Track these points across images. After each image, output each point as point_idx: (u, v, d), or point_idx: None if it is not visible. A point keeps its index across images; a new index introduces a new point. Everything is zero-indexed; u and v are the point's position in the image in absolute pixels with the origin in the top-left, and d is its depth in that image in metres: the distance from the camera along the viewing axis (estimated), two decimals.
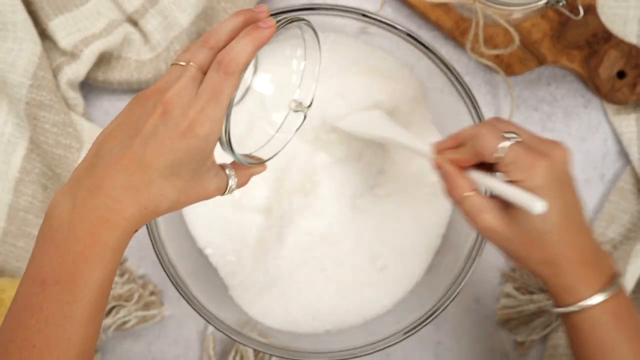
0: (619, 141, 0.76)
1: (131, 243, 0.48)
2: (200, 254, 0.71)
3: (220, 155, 0.50)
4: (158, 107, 0.47)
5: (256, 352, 0.72)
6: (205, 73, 0.48)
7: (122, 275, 0.73)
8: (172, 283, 0.64)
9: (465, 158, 0.55)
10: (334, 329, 0.70)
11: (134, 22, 0.75)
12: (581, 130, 0.76)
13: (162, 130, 0.46)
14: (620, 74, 0.73)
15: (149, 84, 0.74)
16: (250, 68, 0.48)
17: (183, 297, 0.64)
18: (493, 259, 0.74)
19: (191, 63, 0.48)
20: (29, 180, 0.73)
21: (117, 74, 0.73)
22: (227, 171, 0.52)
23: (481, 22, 0.67)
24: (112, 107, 0.76)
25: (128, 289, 0.72)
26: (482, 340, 0.74)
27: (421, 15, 0.75)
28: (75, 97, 0.74)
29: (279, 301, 0.70)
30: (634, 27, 0.74)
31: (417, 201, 0.71)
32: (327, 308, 0.70)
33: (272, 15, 0.61)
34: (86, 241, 0.45)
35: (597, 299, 0.54)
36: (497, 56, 0.72)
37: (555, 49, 0.73)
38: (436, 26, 0.75)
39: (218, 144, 0.49)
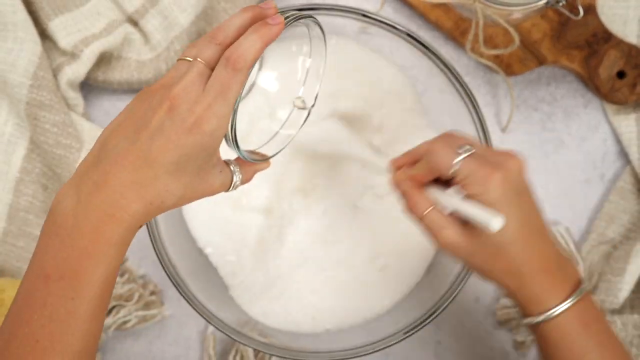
0: (618, 141, 0.76)
1: (131, 243, 0.48)
2: (200, 253, 0.71)
3: (225, 152, 0.50)
4: (164, 102, 0.47)
5: (256, 352, 0.72)
6: (212, 69, 0.48)
7: (122, 275, 0.73)
8: (173, 283, 0.64)
9: (422, 174, 0.55)
10: (334, 329, 0.70)
11: (134, 22, 0.75)
12: (581, 130, 0.76)
13: (169, 126, 0.46)
14: (620, 74, 0.73)
15: (149, 84, 0.74)
16: (256, 64, 0.48)
17: (183, 296, 0.64)
18: None
19: (198, 59, 0.48)
20: (29, 180, 0.73)
21: (117, 74, 0.73)
22: (232, 167, 0.52)
23: (481, 22, 0.67)
24: (112, 107, 0.76)
25: (128, 288, 0.72)
26: (482, 339, 0.74)
27: (421, 15, 0.75)
28: (76, 97, 0.74)
29: (279, 301, 0.70)
30: (634, 27, 0.74)
31: None
32: (327, 308, 0.70)
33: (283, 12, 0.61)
34: (91, 237, 0.45)
35: (563, 306, 0.53)
36: (497, 56, 0.72)
37: (555, 49, 0.73)
38: (436, 26, 0.75)
39: (223, 140, 0.49)
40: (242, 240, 0.71)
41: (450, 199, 0.53)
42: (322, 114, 0.69)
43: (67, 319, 0.45)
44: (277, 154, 0.56)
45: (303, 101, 0.57)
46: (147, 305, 0.73)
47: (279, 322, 0.70)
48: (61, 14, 0.72)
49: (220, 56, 0.48)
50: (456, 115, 0.68)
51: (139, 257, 0.75)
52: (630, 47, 0.73)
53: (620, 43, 0.73)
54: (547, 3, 0.64)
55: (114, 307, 0.72)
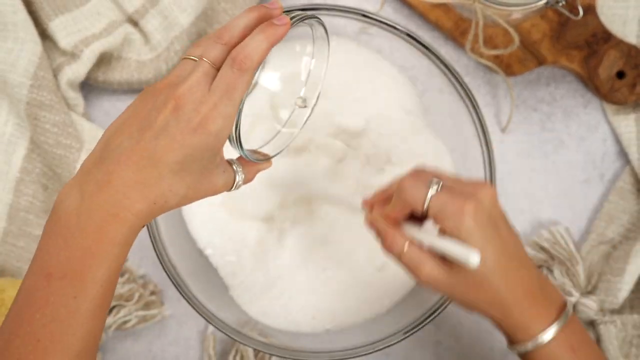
0: (618, 141, 0.76)
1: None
2: (200, 254, 0.71)
3: (226, 151, 0.50)
4: (170, 102, 0.46)
5: (256, 352, 0.72)
6: (217, 69, 0.48)
7: (122, 275, 0.73)
8: (173, 283, 0.64)
9: (396, 211, 0.55)
10: (334, 329, 0.70)
11: (134, 23, 0.75)
12: (580, 130, 0.76)
13: (174, 126, 0.46)
14: (620, 74, 0.73)
15: (150, 84, 0.74)
16: None
17: (183, 297, 0.64)
18: None
19: (204, 58, 0.48)
20: (29, 180, 0.73)
21: (117, 74, 0.74)
22: (235, 167, 0.52)
23: (481, 23, 0.67)
24: (112, 107, 0.76)
25: (128, 288, 0.72)
26: (482, 339, 0.74)
27: (421, 15, 0.75)
28: (76, 97, 0.74)
29: (279, 301, 0.70)
30: (634, 27, 0.74)
31: None
32: (327, 308, 0.70)
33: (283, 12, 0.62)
34: (94, 236, 0.45)
35: (550, 332, 0.53)
36: (496, 56, 0.73)
37: (555, 49, 0.73)
38: (436, 26, 0.75)
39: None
40: (242, 241, 0.71)
41: (426, 236, 0.53)
42: (322, 128, 0.70)
43: (69, 318, 0.45)
44: (278, 153, 0.56)
45: (304, 100, 0.57)
46: (147, 305, 0.73)
47: (279, 322, 0.70)
48: (61, 14, 0.73)
49: (225, 56, 0.48)
50: (456, 115, 0.68)
51: (139, 257, 0.75)
52: (630, 47, 0.73)
53: (619, 43, 0.73)
54: (546, 3, 0.64)
55: (114, 307, 0.72)
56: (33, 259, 0.47)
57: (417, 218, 0.55)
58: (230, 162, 0.52)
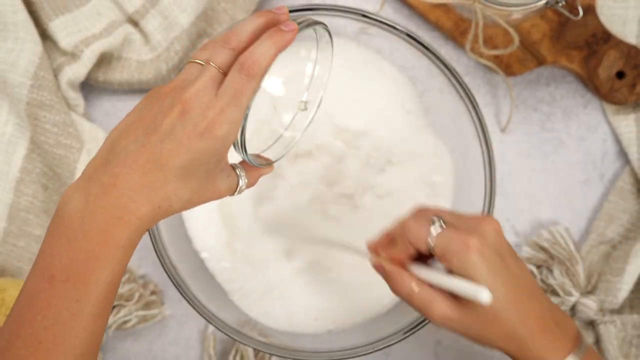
0: (618, 141, 0.76)
1: None
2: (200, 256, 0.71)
3: (229, 155, 0.51)
4: (176, 106, 0.46)
5: (256, 352, 0.72)
6: (224, 74, 0.48)
7: None
8: (173, 283, 0.64)
9: (401, 253, 0.54)
10: (336, 329, 0.70)
11: (135, 23, 0.75)
12: (580, 130, 0.76)
13: (180, 130, 0.46)
14: (620, 75, 0.73)
15: (150, 84, 0.74)
16: None
17: (184, 297, 0.64)
18: None
19: (211, 63, 0.47)
20: (29, 180, 0.73)
21: (117, 74, 0.74)
22: (238, 171, 0.52)
23: (481, 23, 0.67)
24: (112, 107, 0.76)
25: (129, 288, 0.72)
26: None
27: (421, 15, 0.75)
28: (76, 98, 0.74)
29: (280, 303, 0.70)
30: (633, 28, 0.74)
31: (417, 201, 0.71)
32: (329, 309, 0.70)
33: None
34: (98, 239, 0.45)
35: None
36: (496, 56, 0.73)
37: (555, 49, 0.73)
38: (436, 27, 0.75)
39: None
40: (236, 248, 0.70)
41: (434, 275, 0.52)
42: (322, 128, 0.70)
43: (71, 321, 0.45)
44: (280, 158, 0.56)
45: (306, 105, 0.57)
46: (147, 305, 0.73)
47: (280, 323, 0.70)
48: (61, 14, 0.73)
49: (233, 61, 0.48)
50: (456, 115, 0.68)
51: (139, 257, 0.75)
52: (630, 47, 0.73)
53: (619, 43, 0.73)
54: (546, 3, 0.64)
55: (114, 307, 0.72)
56: (36, 261, 0.46)
57: (424, 257, 0.54)
58: (233, 167, 0.52)
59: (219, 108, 0.46)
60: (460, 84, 0.66)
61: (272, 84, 0.56)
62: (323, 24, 0.51)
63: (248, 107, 0.47)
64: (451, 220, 0.53)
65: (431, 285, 0.53)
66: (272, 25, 0.49)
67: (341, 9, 0.67)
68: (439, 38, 0.76)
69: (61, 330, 0.45)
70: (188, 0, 0.72)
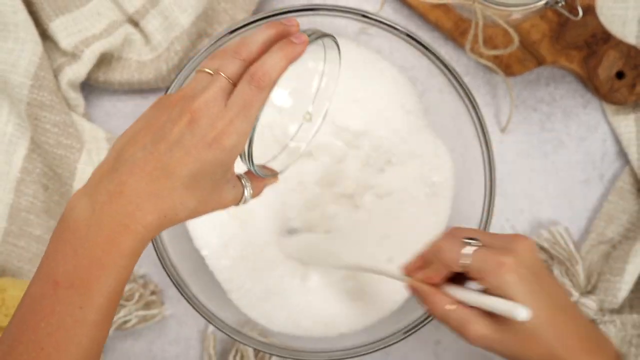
0: (618, 141, 0.76)
1: None
2: (200, 253, 0.71)
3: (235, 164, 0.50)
4: (185, 115, 0.46)
5: (256, 352, 0.72)
6: (234, 84, 0.47)
7: None
8: (173, 283, 0.64)
9: (435, 274, 0.54)
10: (349, 332, 0.70)
11: (135, 23, 0.75)
12: (580, 130, 0.76)
13: (189, 139, 0.46)
14: (619, 75, 0.73)
15: (150, 84, 0.74)
16: None
17: (184, 296, 0.64)
18: None
19: (221, 73, 0.47)
20: (30, 180, 0.73)
21: (117, 74, 0.74)
22: (243, 182, 0.52)
23: (480, 23, 0.67)
24: (112, 107, 0.76)
25: (129, 288, 0.72)
26: None
27: (421, 16, 0.75)
28: (76, 98, 0.74)
29: (286, 309, 0.69)
30: (633, 28, 0.74)
31: (417, 201, 0.71)
32: (340, 314, 0.69)
33: (284, 13, 0.63)
34: (104, 247, 0.45)
35: None
36: (496, 57, 0.73)
37: (555, 49, 0.73)
38: (436, 27, 0.75)
39: None
40: (242, 246, 0.70)
41: (469, 295, 0.52)
42: (324, 131, 0.70)
43: (74, 327, 0.45)
44: (286, 169, 0.56)
45: (311, 116, 0.58)
46: (147, 305, 0.73)
47: (285, 326, 0.70)
48: (62, 15, 0.73)
49: (242, 72, 0.48)
50: (456, 116, 0.68)
51: (140, 257, 0.75)
52: (629, 47, 0.73)
53: (619, 44, 0.73)
54: (546, 4, 0.64)
55: None
56: (40, 266, 0.46)
57: (458, 278, 0.54)
58: (239, 177, 0.52)
59: (228, 119, 0.46)
60: (460, 84, 0.66)
61: (279, 94, 0.56)
62: (332, 36, 0.52)
63: (256, 119, 0.47)
64: (484, 240, 0.53)
65: (467, 306, 0.52)
66: (282, 36, 0.49)
67: (341, 9, 0.67)
68: (439, 38, 0.76)
69: (64, 337, 0.44)
70: (188, 0, 0.72)
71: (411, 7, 0.75)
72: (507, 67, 0.73)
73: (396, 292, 0.70)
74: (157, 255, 0.64)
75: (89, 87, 0.76)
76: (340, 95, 0.70)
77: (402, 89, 0.73)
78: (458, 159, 0.71)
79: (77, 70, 0.72)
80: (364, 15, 0.66)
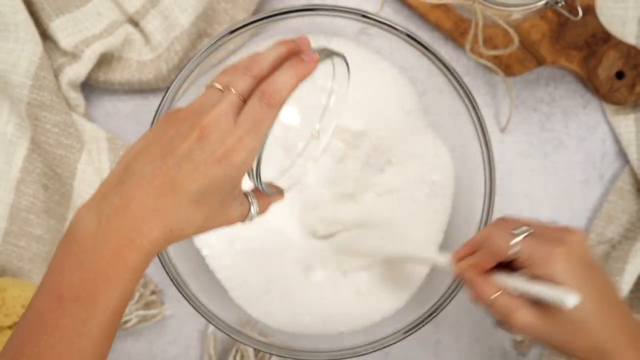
0: (617, 141, 0.76)
1: None
2: (200, 253, 0.71)
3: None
4: (195, 130, 0.46)
5: (256, 352, 0.72)
6: (244, 101, 0.47)
7: None
8: (173, 283, 0.64)
9: (484, 261, 0.54)
10: (348, 331, 0.70)
11: (135, 23, 0.75)
12: (580, 130, 0.76)
13: (198, 155, 0.46)
14: (619, 75, 0.73)
15: (150, 84, 0.74)
16: None
17: (184, 296, 0.65)
18: None
19: (232, 89, 0.47)
20: (30, 180, 0.73)
21: (118, 74, 0.74)
22: (250, 199, 0.52)
23: (480, 23, 0.67)
24: (113, 107, 0.77)
25: None
26: (482, 339, 0.74)
27: (421, 16, 0.75)
28: (77, 98, 0.74)
29: (286, 306, 0.69)
30: (633, 28, 0.75)
31: (417, 201, 0.71)
32: (341, 312, 0.70)
33: (284, 13, 0.63)
34: (109, 260, 0.45)
35: None
36: (496, 57, 0.73)
37: (554, 49, 0.73)
38: (436, 27, 0.75)
39: None
40: (242, 246, 0.70)
41: (517, 282, 0.52)
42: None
43: (78, 341, 0.44)
44: (292, 186, 0.56)
45: (319, 133, 0.58)
46: (147, 305, 0.73)
47: (285, 323, 0.70)
48: (62, 15, 0.73)
49: (253, 88, 0.48)
50: (456, 116, 0.68)
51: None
52: (629, 47, 0.73)
53: (619, 44, 0.73)
54: (546, 4, 0.64)
55: None
56: (44, 279, 0.46)
57: (507, 267, 0.54)
58: (245, 194, 0.52)
59: (238, 136, 0.46)
60: (460, 84, 0.66)
61: (287, 111, 0.56)
62: (342, 55, 0.52)
63: (266, 136, 0.47)
64: (536, 230, 0.53)
65: (513, 294, 0.53)
66: (293, 54, 0.49)
67: (341, 9, 0.67)
68: (439, 38, 0.76)
69: (67, 350, 0.44)
70: (188, 0, 0.72)
71: (411, 8, 0.75)
72: (507, 67, 0.73)
73: (396, 292, 0.70)
74: (157, 255, 0.64)
75: (89, 87, 0.76)
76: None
77: (402, 89, 0.73)
78: (458, 159, 0.71)
79: (77, 70, 0.72)
80: (364, 16, 0.66)
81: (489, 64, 0.72)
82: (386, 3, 0.76)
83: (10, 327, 0.67)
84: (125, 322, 0.72)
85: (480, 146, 0.66)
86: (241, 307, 0.70)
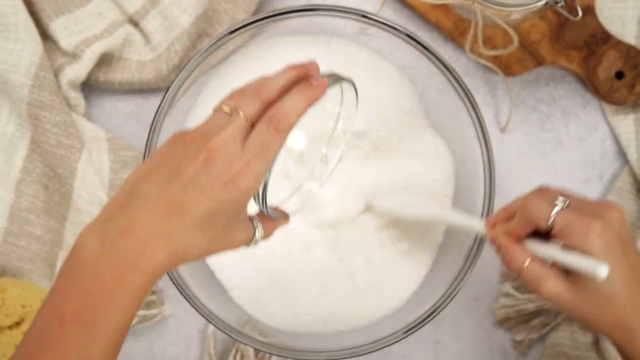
0: (617, 141, 0.76)
1: None
2: None
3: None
4: (202, 153, 0.46)
5: (257, 351, 0.72)
6: (252, 125, 0.47)
7: None
8: (173, 283, 0.64)
9: (519, 228, 0.54)
10: (348, 330, 0.70)
11: (135, 23, 0.75)
12: (580, 130, 0.76)
13: (204, 178, 0.45)
14: (619, 75, 0.73)
15: (150, 84, 0.74)
16: None
17: (184, 296, 0.65)
18: (492, 259, 0.74)
19: (240, 113, 0.47)
20: (30, 180, 0.73)
21: (118, 74, 0.74)
22: (255, 223, 0.52)
23: (480, 23, 0.67)
24: (113, 107, 0.77)
25: None
26: (481, 339, 0.74)
27: (420, 16, 0.75)
28: (77, 98, 0.74)
29: (286, 304, 0.69)
30: (633, 28, 0.75)
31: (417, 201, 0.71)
32: (341, 312, 0.70)
33: (284, 13, 0.63)
34: (112, 284, 0.44)
35: None
36: (496, 57, 0.73)
37: (554, 49, 0.73)
38: (435, 27, 0.75)
39: None
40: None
41: (550, 250, 0.52)
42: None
43: None
44: (298, 211, 0.56)
45: (326, 158, 0.58)
46: (147, 305, 0.73)
47: (285, 322, 0.70)
48: (62, 15, 0.73)
49: (261, 112, 0.48)
50: (455, 115, 0.68)
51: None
52: (629, 47, 0.73)
53: (618, 44, 0.73)
54: (546, 4, 0.64)
55: None
56: (47, 300, 0.45)
57: (540, 236, 0.54)
58: (251, 218, 0.52)
59: (245, 160, 0.46)
60: (460, 84, 0.66)
61: (294, 135, 0.56)
62: (351, 80, 0.52)
63: (273, 161, 0.47)
64: (575, 203, 0.53)
65: (544, 263, 0.53)
66: (302, 78, 0.49)
67: (341, 9, 0.67)
68: (439, 38, 0.76)
69: None
70: (188, 0, 0.72)
71: (411, 8, 0.75)
72: (507, 67, 0.73)
73: (396, 291, 0.70)
74: None
75: (90, 87, 0.76)
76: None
77: (402, 89, 0.73)
78: (458, 159, 0.71)
79: (77, 70, 0.72)
80: (364, 16, 0.67)
81: (489, 64, 0.72)
82: (386, 3, 0.76)
83: (10, 327, 0.67)
84: None
85: (480, 146, 0.66)
86: (241, 307, 0.70)
